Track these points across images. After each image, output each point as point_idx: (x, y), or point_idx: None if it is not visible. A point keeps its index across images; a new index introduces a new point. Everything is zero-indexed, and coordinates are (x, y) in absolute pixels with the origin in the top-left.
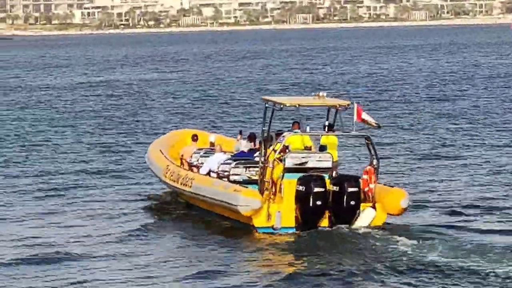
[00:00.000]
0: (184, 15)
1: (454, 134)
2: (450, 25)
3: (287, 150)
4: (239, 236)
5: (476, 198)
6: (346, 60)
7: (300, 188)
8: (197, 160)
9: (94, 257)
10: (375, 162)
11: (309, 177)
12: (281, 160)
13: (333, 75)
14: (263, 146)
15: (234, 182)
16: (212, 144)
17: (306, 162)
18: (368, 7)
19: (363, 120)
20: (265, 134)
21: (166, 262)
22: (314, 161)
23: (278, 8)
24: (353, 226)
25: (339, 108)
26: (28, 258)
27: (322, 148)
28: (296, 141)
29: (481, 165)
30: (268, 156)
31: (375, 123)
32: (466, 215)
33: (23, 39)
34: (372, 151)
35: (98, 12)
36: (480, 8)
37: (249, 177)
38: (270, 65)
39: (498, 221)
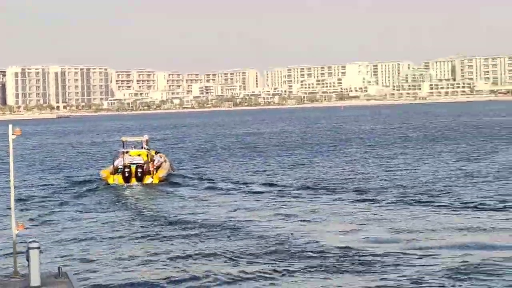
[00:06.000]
0: None
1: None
2: None
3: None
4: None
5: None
6: None
7: (124, 169)
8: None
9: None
10: (153, 159)
11: (125, 165)
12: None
13: None
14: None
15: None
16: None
17: (133, 160)
18: None
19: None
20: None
21: None
22: (136, 160)
23: None
24: (143, 183)
25: (144, 140)
26: None
27: (139, 155)
28: (134, 153)
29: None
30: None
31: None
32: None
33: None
34: (152, 157)
35: None
36: None
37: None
38: None
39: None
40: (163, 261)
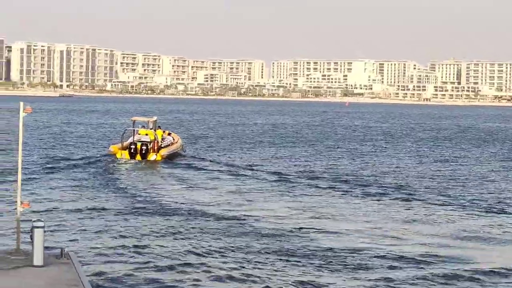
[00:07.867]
0: None
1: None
2: None
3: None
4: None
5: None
6: None
7: (130, 146)
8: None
9: None
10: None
11: (132, 143)
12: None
13: None
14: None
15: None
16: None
17: (141, 138)
18: None
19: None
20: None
21: None
22: (143, 138)
23: None
24: (147, 159)
25: (152, 121)
26: None
27: (147, 134)
28: (143, 132)
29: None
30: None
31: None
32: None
33: None
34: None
35: None
36: None
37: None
38: None
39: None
40: (171, 248)
